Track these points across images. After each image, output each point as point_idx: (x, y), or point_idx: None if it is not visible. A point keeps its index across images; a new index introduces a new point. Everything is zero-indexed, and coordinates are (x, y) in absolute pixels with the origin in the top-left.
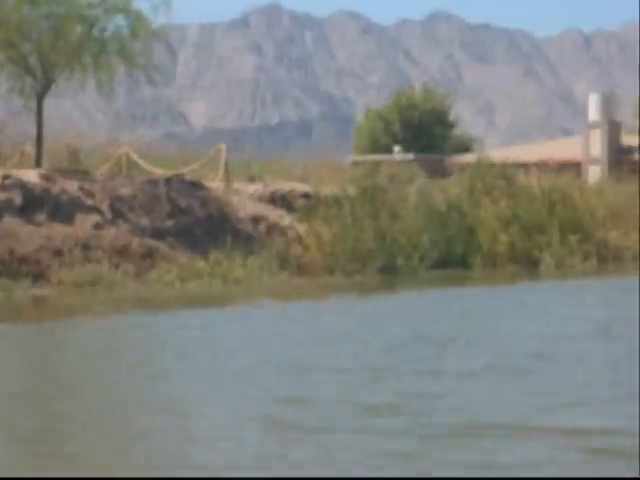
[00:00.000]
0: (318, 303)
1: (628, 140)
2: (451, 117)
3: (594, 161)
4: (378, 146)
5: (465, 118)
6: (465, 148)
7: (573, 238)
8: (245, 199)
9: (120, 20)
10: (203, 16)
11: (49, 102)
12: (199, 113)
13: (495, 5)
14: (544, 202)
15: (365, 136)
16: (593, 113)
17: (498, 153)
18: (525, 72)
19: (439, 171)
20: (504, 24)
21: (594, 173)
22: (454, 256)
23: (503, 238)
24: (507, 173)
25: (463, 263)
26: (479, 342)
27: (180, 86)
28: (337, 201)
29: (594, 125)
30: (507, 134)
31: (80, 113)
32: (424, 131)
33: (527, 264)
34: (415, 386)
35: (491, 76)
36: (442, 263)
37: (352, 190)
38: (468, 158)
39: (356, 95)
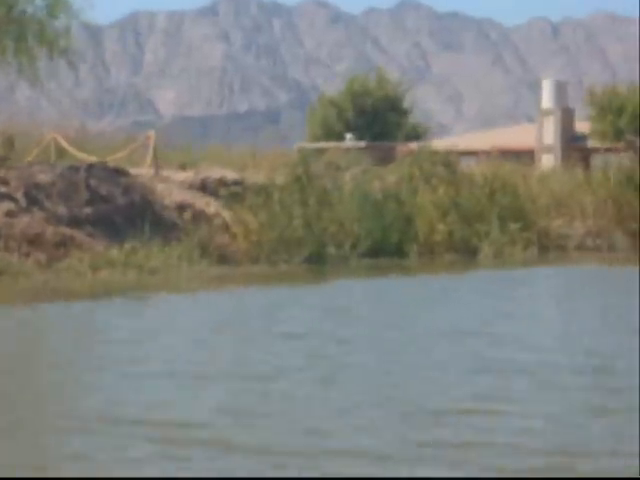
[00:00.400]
0: (225, 293)
1: (583, 128)
2: (405, 104)
3: (547, 149)
4: (331, 133)
5: (433, 106)
6: (420, 136)
7: (514, 226)
8: (173, 186)
9: (39, 1)
10: (172, 3)
11: (20, 91)
12: (167, 101)
13: None
14: (485, 190)
15: (318, 123)
16: (546, 100)
17: (460, 140)
18: (493, 60)
19: (390, 159)
20: (472, 13)
21: (547, 161)
22: (389, 245)
23: (441, 227)
24: (449, 160)
25: (399, 252)
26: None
27: (148, 74)
28: (265, 189)
29: (547, 112)
30: (475, 122)
31: (48, 102)
32: (378, 118)
33: (466, 253)
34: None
35: (459, 64)
36: (376, 252)
37: (281, 178)
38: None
39: (324, 83)
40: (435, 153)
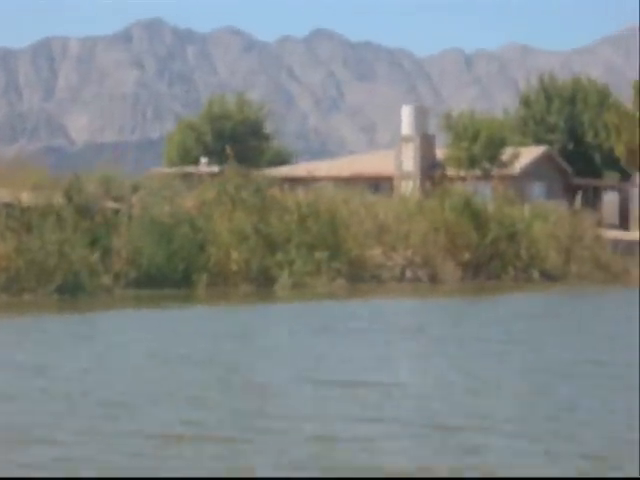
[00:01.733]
0: None
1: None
2: (267, 129)
3: (406, 175)
4: (189, 158)
5: (346, 135)
6: (286, 161)
7: (320, 255)
8: None
9: None
10: (85, 29)
11: None
12: (80, 127)
13: (376, 23)
14: (293, 217)
15: (175, 147)
16: (406, 126)
17: (324, 167)
18: (407, 90)
19: None
20: (385, 42)
21: (407, 188)
22: (175, 273)
23: (236, 255)
24: (259, 186)
25: (186, 281)
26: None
27: (61, 99)
28: (23, 211)
29: (407, 139)
30: (388, 151)
31: None
32: (237, 143)
33: (264, 283)
34: None
35: (372, 94)
36: (157, 281)
37: (34, 200)
38: (283, 171)
39: None
40: (246, 177)
